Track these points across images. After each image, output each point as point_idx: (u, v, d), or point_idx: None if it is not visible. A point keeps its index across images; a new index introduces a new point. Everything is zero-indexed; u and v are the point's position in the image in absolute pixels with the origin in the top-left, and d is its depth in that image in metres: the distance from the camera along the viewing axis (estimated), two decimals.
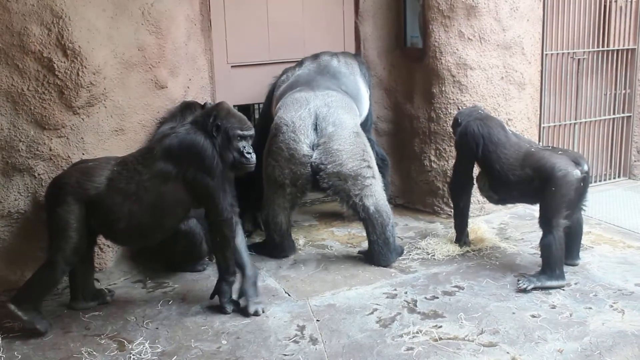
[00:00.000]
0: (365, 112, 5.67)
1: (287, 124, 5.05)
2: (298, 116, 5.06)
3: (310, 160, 5.00)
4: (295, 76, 5.64)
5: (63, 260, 4.11)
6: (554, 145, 5.36)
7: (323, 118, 5.05)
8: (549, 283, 4.60)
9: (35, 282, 4.11)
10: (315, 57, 5.80)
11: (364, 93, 5.72)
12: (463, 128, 5.13)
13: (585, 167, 4.76)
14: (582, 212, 5.00)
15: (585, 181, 4.76)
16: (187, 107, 5.11)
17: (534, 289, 4.56)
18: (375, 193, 5.11)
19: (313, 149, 5.01)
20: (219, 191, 4.23)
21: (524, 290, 4.55)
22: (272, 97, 5.75)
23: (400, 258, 5.23)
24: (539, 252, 4.99)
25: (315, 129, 5.05)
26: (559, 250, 4.62)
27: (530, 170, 4.78)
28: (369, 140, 5.50)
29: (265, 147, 5.23)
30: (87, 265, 4.40)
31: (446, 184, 6.12)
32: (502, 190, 5.02)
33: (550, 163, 4.70)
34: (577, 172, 4.67)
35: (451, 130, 5.56)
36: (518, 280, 4.65)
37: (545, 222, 4.68)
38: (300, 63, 5.80)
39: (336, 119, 5.06)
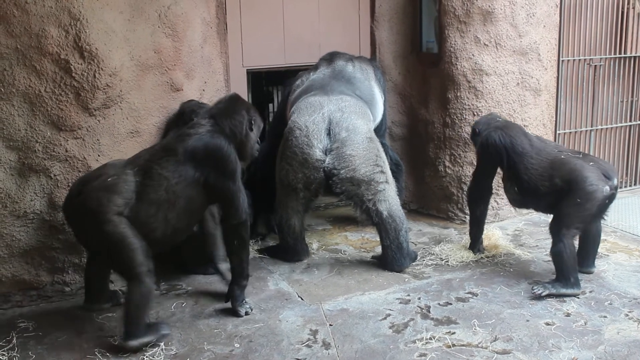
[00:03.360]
0: (379, 117, 5.65)
1: (300, 128, 5.04)
2: (312, 120, 5.04)
3: (324, 165, 4.99)
4: (310, 80, 5.63)
5: (143, 267, 3.93)
6: (583, 152, 5.12)
7: (337, 123, 5.03)
8: (563, 290, 4.56)
9: (134, 307, 3.94)
10: (331, 61, 5.78)
11: (379, 98, 5.70)
12: (484, 139, 5.02)
13: (615, 182, 4.67)
14: (602, 221, 4.96)
15: (612, 196, 4.69)
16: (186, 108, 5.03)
17: (549, 295, 4.54)
18: (389, 198, 5.09)
19: (326, 154, 5.00)
20: (238, 194, 4.25)
21: (538, 297, 4.52)
22: (286, 101, 5.75)
23: (413, 264, 5.21)
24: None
25: (329, 134, 5.03)
26: (571, 258, 4.59)
27: (561, 182, 4.66)
28: (383, 145, 5.49)
29: (279, 150, 5.24)
30: (103, 268, 4.38)
31: (460, 189, 6.11)
32: (531, 199, 4.94)
33: (582, 176, 4.58)
34: (606, 189, 4.59)
35: (470, 140, 5.50)
36: (533, 287, 4.62)
37: (557, 230, 4.64)
38: (315, 67, 5.79)
39: (350, 124, 5.04)
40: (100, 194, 3.95)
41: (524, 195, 4.94)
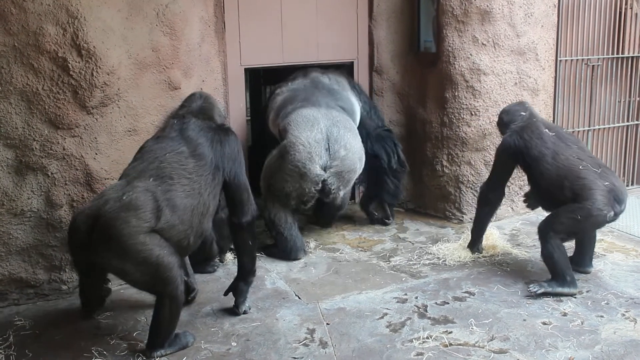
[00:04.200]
0: (357, 124, 5.87)
1: (303, 144, 5.22)
2: (313, 137, 5.24)
3: (322, 179, 5.25)
4: (291, 90, 5.84)
5: (178, 283, 3.82)
6: (605, 165, 4.92)
7: (335, 140, 5.28)
8: (560, 289, 4.58)
9: (166, 321, 3.86)
10: (306, 72, 6.07)
11: (357, 107, 5.99)
12: (502, 141, 5.07)
13: (623, 207, 4.65)
14: None
15: (615, 219, 4.71)
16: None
17: (545, 294, 4.55)
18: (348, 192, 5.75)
19: (325, 170, 5.24)
20: (249, 189, 4.29)
21: (534, 295, 4.54)
22: (267, 106, 6.03)
23: (411, 263, 5.23)
24: None
25: (327, 150, 5.26)
26: (563, 258, 4.62)
27: (570, 194, 4.62)
28: (395, 144, 6.03)
29: (272, 160, 5.38)
30: (98, 281, 4.24)
31: (458, 189, 6.13)
32: (544, 203, 5.02)
33: (592, 198, 4.53)
34: (611, 214, 4.59)
35: (498, 129, 5.46)
36: (529, 286, 4.63)
37: (546, 232, 4.67)
38: (292, 78, 6.06)
39: (347, 143, 5.31)
40: (122, 214, 3.64)
41: (538, 199, 5.00)
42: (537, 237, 5.62)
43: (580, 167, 4.67)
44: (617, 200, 4.60)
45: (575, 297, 4.55)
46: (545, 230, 4.68)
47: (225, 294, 4.46)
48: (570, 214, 4.58)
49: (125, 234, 3.62)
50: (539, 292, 4.54)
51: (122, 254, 3.64)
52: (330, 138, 5.26)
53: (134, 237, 3.64)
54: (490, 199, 5.25)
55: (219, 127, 4.29)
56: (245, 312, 4.38)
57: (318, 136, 5.24)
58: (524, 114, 5.10)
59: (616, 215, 4.65)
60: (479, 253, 5.36)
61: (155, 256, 3.69)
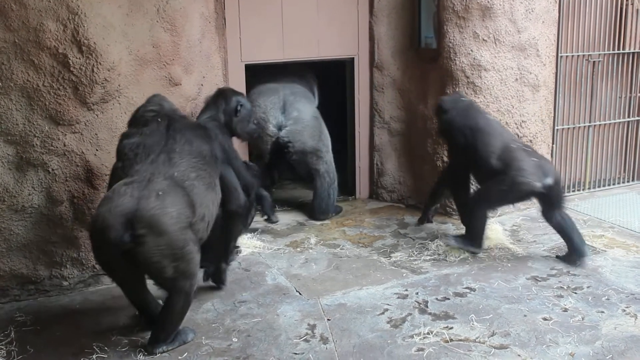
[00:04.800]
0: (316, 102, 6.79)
1: (259, 106, 6.10)
2: (270, 101, 6.19)
3: (277, 136, 6.14)
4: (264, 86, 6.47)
5: (195, 279, 3.89)
6: (533, 148, 5.51)
7: (290, 104, 6.21)
8: (467, 247, 5.25)
9: (176, 315, 3.88)
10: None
11: (315, 89, 7.02)
12: (451, 119, 5.39)
13: (549, 181, 5.04)
14: (567, 211, 5.28)
15: (552, 190, 5.08)
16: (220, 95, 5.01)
17: (457, 247, 5.25)
18: (327, 161, 6.34)
19: (280, 129, 6.13)
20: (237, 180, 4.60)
21: (447, 244, 5.30)
22: None
23: (411, 258, 5.23)
24: (553, 254, 5.18)
25: (283, 112, 6.18)
26: (482, 225, 5.23)
27: (502, 164, 5.09)
28: None
29: None
30: (140, 285, 4.08)
31: None
32: (478, 177, 5.43)
33: (518, 167, 5.02)
34: (538, 185, 5.02)
35: (435, 116, 5.80)
36: (446, 235, 5.43)
37: (478, 200, 5.25)
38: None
39: (300, 106, 6.25)
40: (169, 210, 3.63)
41: (476, 172, 5.43)
42: (537, 233, 5.70)
43: (513, 145, 5.21)
44: (544, 174, 5.05)
45: (576, 293, 4.55)
46: (477, 199, 5.28)
47: (208, 278, 4.72)
48: (500, 184, 5.07)
49: (175, 229, 3.64)
50: (453, 244, 5.28)
51: (167, 248, 3.63)
52: (286, 103, 6.20)
53: (182, 232, 3.68)
54: (446, 177, 5.72)
55: (198, 124, 4.44)
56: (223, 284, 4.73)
57: (275, 100, 6.19)
58: (464, 99, 5.58)
59: (544, 189, 5.04)
60: (429, 223, 5.99)
61: (191, 252, 3.75)
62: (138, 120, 4.20)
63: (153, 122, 4.12)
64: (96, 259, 4.01)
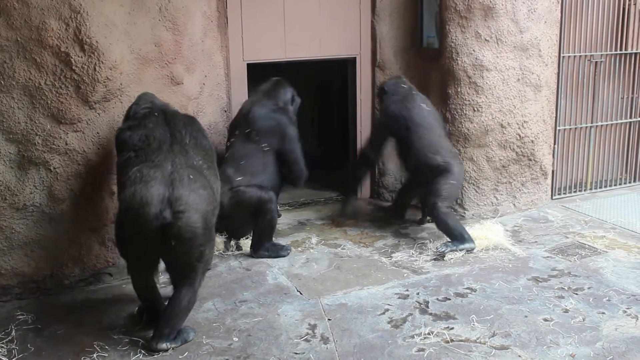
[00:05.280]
0: None
1: None
2: None
3: None
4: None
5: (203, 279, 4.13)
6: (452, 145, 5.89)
7: None
8: (462, 246, 5.27)
9: (184, 309, 3.95)
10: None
11: None
12: (388, 108, 5.67)
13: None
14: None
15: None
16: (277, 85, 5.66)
17: (452, 252, 5.23)
18: None
19: None
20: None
21: (442, 255, 5.20)
22: None
23: (412, 259, 5.24)
24: (554, 255, 5.18)
25: None
26: (454, 221, 5.42)
27: (442, 160, 5.42)
28: None
29: None
30: (152, 277, 4.19)
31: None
32: (409, 167, 5.71)
33: (460, 165, 5.56)
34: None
35: (377, 97, 6.13)
36: (437, 247, 5.32)
37: (434, 202, 5.39)
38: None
39: None
40: (201, 192, 3.91)
41: (409, 167, 5.71)
42: (538, 233, 5.69)
43: (447, 144, 5.63)
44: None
45: (576, 294, 4.55)
46: (433, 202, 5.40)
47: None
48: (448, 180, 5.39)
49: (208, 210, 3.95)
50: (447, 251, 5.21)
51: (200, 227, 3.83)
52: None
53: (212, 214, 4.02)
54: (371, 159, 6.00)
55: (192, 118, 4.54)
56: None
57: None
58: (404, 86, 5.78)
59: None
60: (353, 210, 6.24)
61: (214, 237, 4.12)
62: (134, 116, 4.29)
63: (151, 117, 4.24)
64: (123, 237, 4.00)
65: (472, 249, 5.30)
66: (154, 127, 4.15)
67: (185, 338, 3.98)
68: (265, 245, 5.32)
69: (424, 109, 5.62)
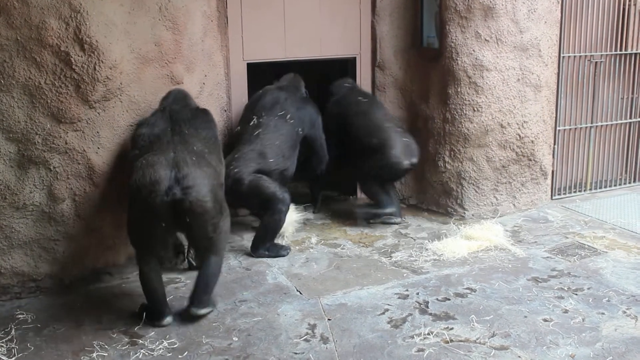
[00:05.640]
0: None
1: None
2: None
3: None
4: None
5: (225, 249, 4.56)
6: (405, 129, 6.20)
7: None
8: (382, 210, 5.93)
9: (212, 277, 4.28)
10: None
11: None
12: (326, 109, 6.19)
13: (415, 160, 5.92)
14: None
15: (414, 166, 6.00)
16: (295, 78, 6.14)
17: (375, 215, 5.94)
18: None
19: None
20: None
21: (364, 215, 5.94)
22: None
23: (412, 259, 5.23)
24: (554, 255, 5.16)
25: None
26: (379, 189, 5.94)
27: (377, 143, 5.80)
28: None
29: None
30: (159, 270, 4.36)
31: (460, 185, 6.13)
32: (354, 155, 6.05)
33: (393, 149, 5.78)
34: (406, 163, 5.85)
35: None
36: (356, 210, 6.11)
37: (363, 177, 6.05)
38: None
39: None
40: (205, 169, 4.20)
41: (350, 153, 6.09)
42: (538, 234, 5.70)
43: (386, 125, 5.91)
44: (411, 154, 5.86)
45: (576, 294, 4.55)
46: (362, 177, 6.08)
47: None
48: (377, 162, 5.80)
49: (215, 183, 4.23)
50: (370, 212, 5.94)
51: (209, 201, 4.09)
52: None
53: (219, 188, 4.33)
54: (331, 156, 6.22)
55: (203, 111, 4.83)
56: None
57: None
58: (347, 85, 6.33)
59: (411, 166, 5.92)
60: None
61: (226, 209, 4.36)
62: (152, 114, 4.64)
63: (157, 114, 4.57)
64: (136, 220, 4.15)
65: (393, 213, 5.96)
66: (155, 124, 4.43)
67: (215, 303, 4.35)
68: (265, 245, 5.32)
69: (361, 101, 6.11)
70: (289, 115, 5.67)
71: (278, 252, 5.34)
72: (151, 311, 4.22)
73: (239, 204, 5.70)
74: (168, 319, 4.18)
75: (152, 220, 3.99)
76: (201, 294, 4.21)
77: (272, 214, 5.31)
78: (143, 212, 4.02)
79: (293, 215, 5.76)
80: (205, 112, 4.76)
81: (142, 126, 4.49)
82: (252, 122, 5.59)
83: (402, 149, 5.81)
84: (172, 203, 3.93)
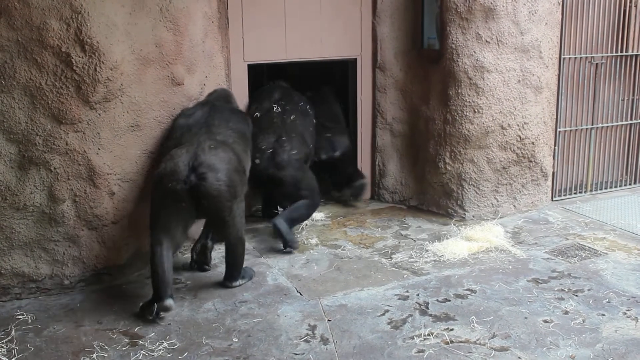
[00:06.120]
0: None
1: None
2: None
3: None
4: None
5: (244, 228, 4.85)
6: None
7: None
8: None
9: (239, 257, 4.78)
10: None
11: None
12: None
13: (338, 154, 6.39)
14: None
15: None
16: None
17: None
18: None
19: None
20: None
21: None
22: None
23: (412, 260, 5.24)
24: (554, 257, 5.18)
25: None
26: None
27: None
28: None
29: None
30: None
31: (461, 186, 6.13)
32: None
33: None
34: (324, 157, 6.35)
35: None
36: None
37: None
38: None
39: None
40: (220, 155, 4.55)
41: None
42: (539, 235, 5.71)
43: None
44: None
45: (576, 296, 4.55)
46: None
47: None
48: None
49: (229, 168, 4.53)
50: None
51: (224, 184, 4.43)
52: None
53: (234, 172, 4.59)
54: None
55: (237, 110, 5.42)
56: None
57: None
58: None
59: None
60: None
61: (241, 192, 4.69)
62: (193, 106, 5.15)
63: (197, 105, 5.10)
64: (156, 203, 4.46)
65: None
66: (192, 115, 4.93)
67: (251, 275, 4.92)
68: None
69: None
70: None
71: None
72: (155, 293, 4.30)
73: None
74: (170, 301, 4.25)
75: (173, 204, 4.37)
76: (231, 270, 4.77)
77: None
78: (164, 198, 4.39)
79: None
80: (241, 112, 5.42)
81: (180, 117, 4.96)
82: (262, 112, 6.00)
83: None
84: (189, 190, 4.31)
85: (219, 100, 5.22)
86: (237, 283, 4.77)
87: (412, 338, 4.01)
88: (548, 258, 5.23)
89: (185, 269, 5.10)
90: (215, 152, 4.48)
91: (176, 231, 4.43)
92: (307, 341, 4.00)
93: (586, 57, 6.67)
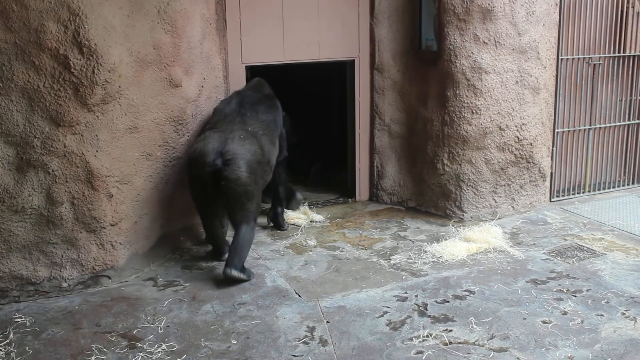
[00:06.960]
0: None
1: None
2: None
3: None
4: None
5: (257, 219, 5.22)
6: None
7: None
8: None
9: (247, 243, 4.96)
10: None
11: None
12: None
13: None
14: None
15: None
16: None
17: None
18: None
19: None
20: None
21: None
22: None
23: (411, 261, 5.23)
24: (553, 257, 5.17)
25: None
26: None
27: None
28: None
29: None
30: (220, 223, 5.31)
31: (459, 187, 6.13)
32: None
33: None
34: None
35: None
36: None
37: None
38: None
39: None
40: (247, 146, 5.02)
41: None
42: (537, 236, 5.72)
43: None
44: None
45: (575, 296, 4.55)
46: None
47: (270, 222, 6.10)
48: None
49: (252, 159, 5.03)
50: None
51: (245, 171, 4.90)
52: None
53: (256, 163, 5.09)
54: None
55: (268, 98, 5.74)
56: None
57: None
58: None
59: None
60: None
61: (259, 183, 5.16)
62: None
63: (234, 93, 5.58)
64: (190, 181, 5.08)
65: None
66: (230, 103, 5.42)
67: (250, 275, 4.89)
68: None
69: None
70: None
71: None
72: (213, 251, 5.32)
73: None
74: (227, 256, 4.94)
75: (201, 183, 4.90)
76: (233, 257, 4.82)
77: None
78: (192, 176, 5.00)
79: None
80: (269, 98, 5.72)
81: (221, 102, 5.53)
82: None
83: None
84: (214, 172, 4.79)
85: (251, 90, 5.66)
86: (236, 273, 4.77)
87: (411, 339, 4.01)
88: (546, 259, 5.24)
89: (185, 270, 5.09)
90: (243, 142, 4.96)
91: (213, 203, 5.00)
92: (305, 343, 4.00)
93: (584, 58, 6.68)
